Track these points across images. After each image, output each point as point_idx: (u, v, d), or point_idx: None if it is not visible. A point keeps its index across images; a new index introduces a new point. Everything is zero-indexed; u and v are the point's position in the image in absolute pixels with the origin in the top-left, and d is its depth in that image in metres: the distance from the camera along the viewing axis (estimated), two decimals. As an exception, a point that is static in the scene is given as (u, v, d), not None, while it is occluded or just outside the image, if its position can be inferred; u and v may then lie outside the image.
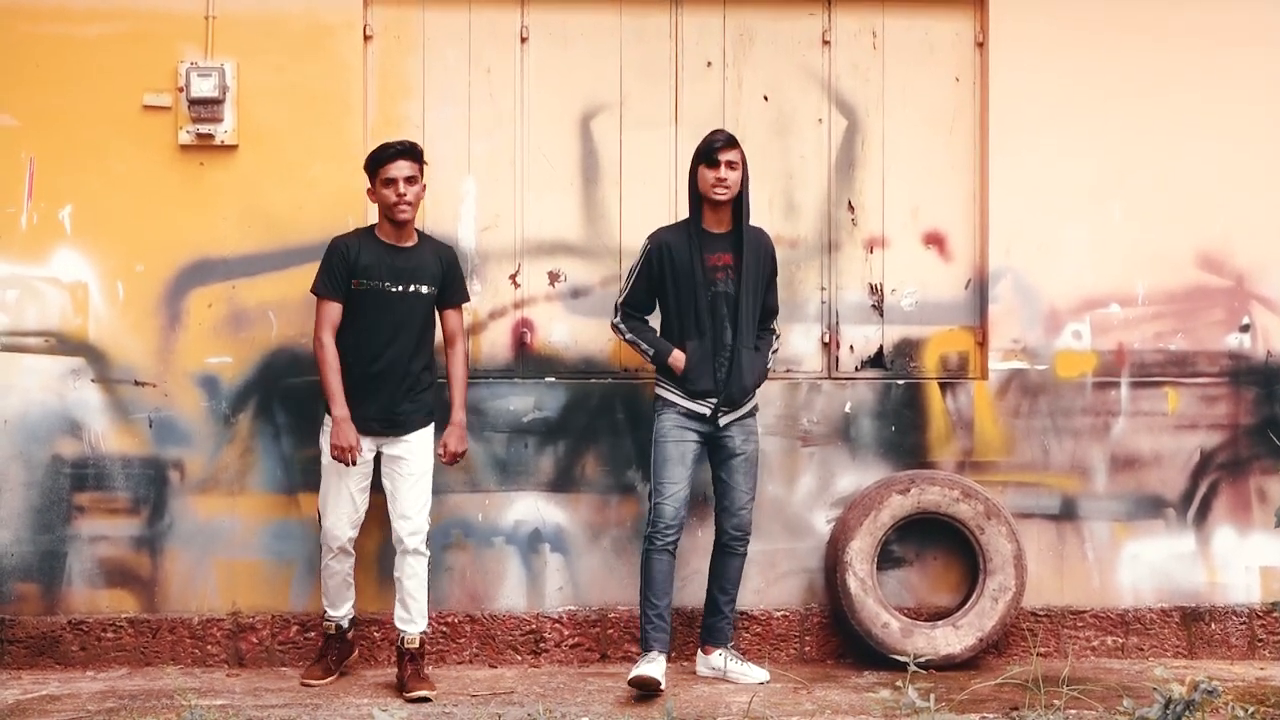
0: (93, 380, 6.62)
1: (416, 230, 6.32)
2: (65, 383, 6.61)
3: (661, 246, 6.29)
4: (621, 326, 6.37)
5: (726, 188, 6.21)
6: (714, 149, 6.21)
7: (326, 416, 6.13)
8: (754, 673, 6.37)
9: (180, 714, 5.52)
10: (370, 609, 6.60)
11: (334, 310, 6.13)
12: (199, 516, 6.64)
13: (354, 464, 6.06)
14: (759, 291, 6.37)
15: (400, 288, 6.15)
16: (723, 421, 6.28)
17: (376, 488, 6.27)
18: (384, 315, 6.14)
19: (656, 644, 6.20)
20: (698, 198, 6.31)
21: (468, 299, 6.49)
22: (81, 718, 5.67)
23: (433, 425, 6.29)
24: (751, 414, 6.41)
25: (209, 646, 6.63)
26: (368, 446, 6.17)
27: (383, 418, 6.16)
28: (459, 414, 6.32)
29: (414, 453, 6.21)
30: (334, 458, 6.07)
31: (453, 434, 6.30)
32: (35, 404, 6.61)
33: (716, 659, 6.40)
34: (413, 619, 6.18)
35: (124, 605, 6.64)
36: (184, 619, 6.63)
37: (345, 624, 6.35)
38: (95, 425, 6.62)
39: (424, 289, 6.20)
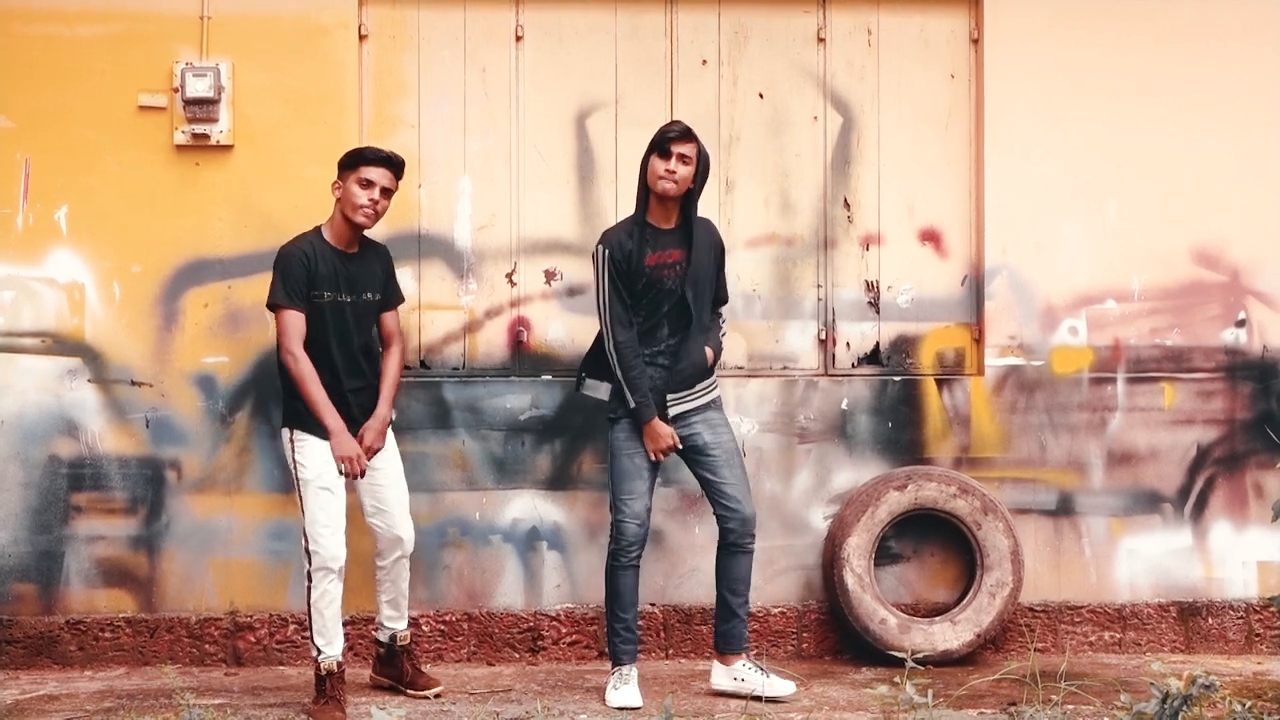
0: (89, 380, 6.62)
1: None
2: (62, 383, 6.61)
3: (612, 247, 5.97)
4: (621, 354, 5.95)
5: (674, 182, 5.88)
6: (667, 139, 5.89)
7: (293, 433, 5.85)
8: (779, 685, 6.02)
9: (178, 713, 5.53)
10: (367, 608, 6.58)
11: (300, 320, 5.78)
12: (196, 516, 6.64)
13: (364, 474, 5.87)
14: (709, 287, 6.09)
15: (353, 297, 5.92)
16: (673, 411, 6.02)
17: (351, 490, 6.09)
18: (340, 327, 5.89)
19: (626, 656, 6.04)
20: (646, 190, 6.01)
21: (403, 300, 6.31)
22: (80, 717, 5.68)
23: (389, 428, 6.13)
24: (713, 406, 6.12)
25: (207, 646, 6.63)
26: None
27: (353, 430, 5.89)
28: (383, 408, 6.00)
29: (388, 458, 6.06)
30: (342, 472, 5.81)
31: (370, 428, 5.93)
32: (32, 404, 6.61)
33: (739, 669, 6.05)
34: (402, 616, 6.16)
35: (122, 605, 6.65)
36: (182, 618, 6.63)
37: (342, 661, 5.87)
38: (92, 425, 6.62)
39: (374, 296, 6.01)
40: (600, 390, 6.12)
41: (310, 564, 5.78)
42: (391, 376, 6.08)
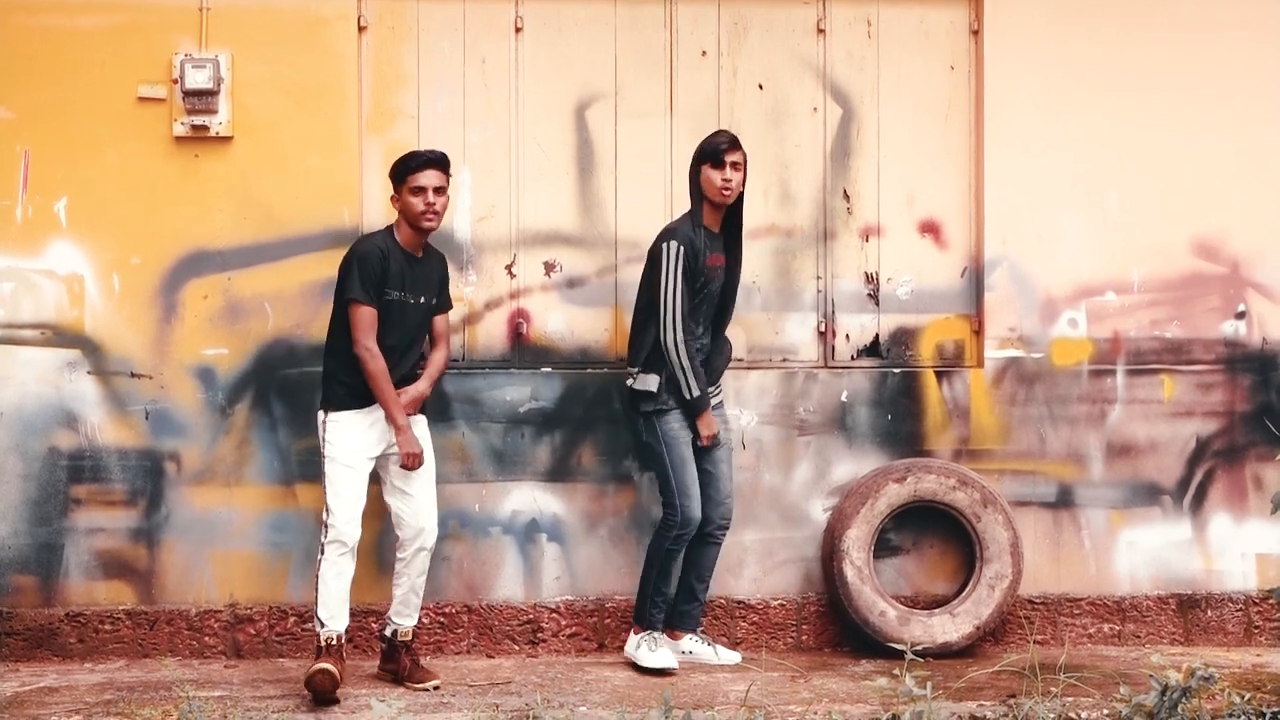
0: (89, 372, 6.62)
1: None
2: (61, 375, 6.60)
3: (685, 244, 6.20)
4: (679, 350, 6.21)
5: (733, 189, 6.24)
6: (720, 150, 6.22)
7: (328, 414, 6.01)
8: (725, 654, 6.49)
9: (178, 705, 5.53)
10: (366, 600, 6.59)
11: (372, 315, 5.96)
12: (196, 508, 6.64)
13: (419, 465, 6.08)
14: (733, 290, 6.50)
15: (415, 299, 6.09)
16: (715, 403, 6.43)
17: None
18: (402, 325, 6.05)
19: (659, 622, 6.36)
20: (700, 197, 6.30)
21: (453, 306, 6.42)
22: (79, 710, 5.68)
23: (424, 419, 6.24)
24: (722, 402, 6.57)
25: (206, 638, 6.63)
26: (375, 439, 6.04)
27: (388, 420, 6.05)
28: (423, 384, 6.15)
29: (424, 448, 6.15)
30: (406, 467, 5.99)
31: (407, 393, 6.07)
32: (31, 396, 6.60)
33: (686, 643, 6.48)
34: (411, 613, 6.19)
35: (121, 597, 6.65)
36: (181, 611, 6.64)
37: (343, 638, 5.99)
38: (92, 417, 6.62)
39: (431, 300, 6.18)
40: (650, 383, 6.27)
41: (325, 536, 5.92)
42: (436, 365, 6.25)
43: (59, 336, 6.61)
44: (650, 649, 6.29)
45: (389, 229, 6.12)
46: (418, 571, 6.13)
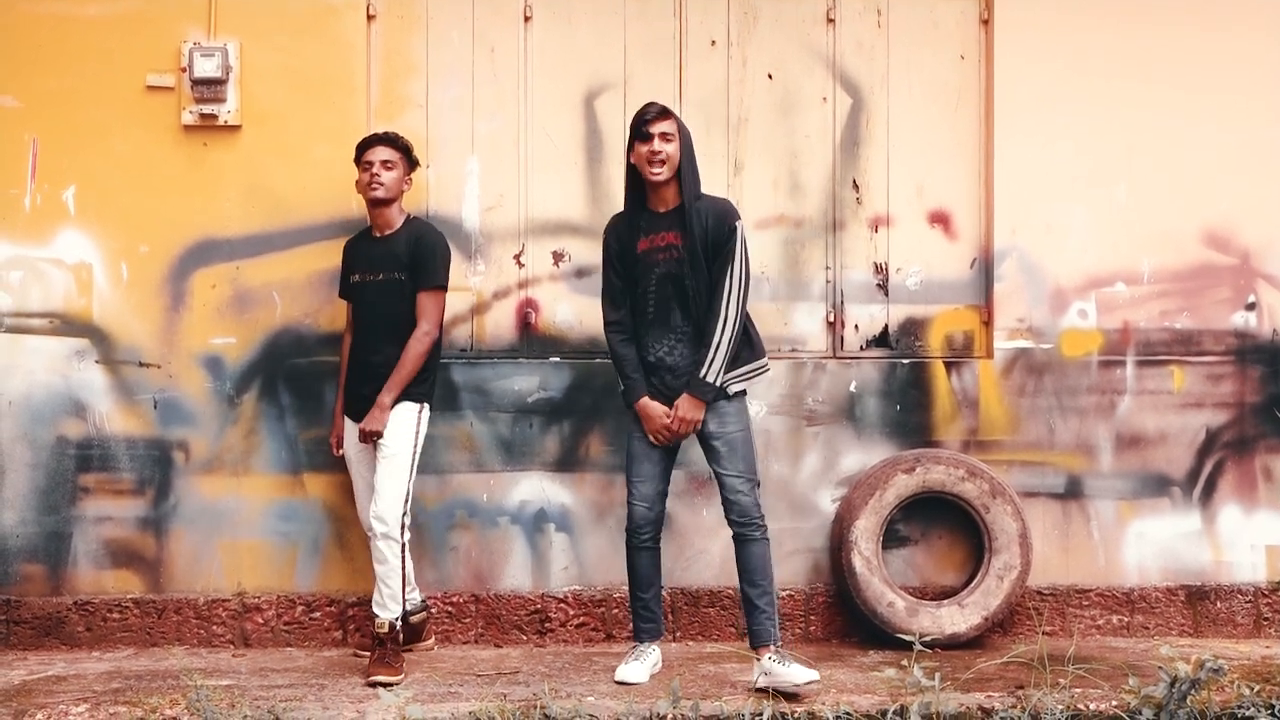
0: (97, 361, 6.62)
1: (407, 217, 6.27)
2: (70, 364, 6.61)
3: (609, 233, 6.03)
4: (609, 336, 6.03)
5: (662, 161, 5.79)
6: (645, 120, 5.81)
7: (422, 408, 6.21)
8: (798, 673, 5.67)
9: (186, 694, 5.53)
10: (364, 589, 6.59)
11: (346, 309, 6.39)
12: (204, 497, 6.64)
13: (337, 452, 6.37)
14: (701, 269, 5.84)
15: (374, 276, 6.17)
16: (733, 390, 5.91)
17: (343, 470, 6.39)
18: (367, 305, 6.20)
19: (645, 635, 6.10)
20: (636, 178, 5.95)
21: (438, 283, 6.17)
22: (88, 698, 5.68)
23: (413, 406, 6.11)
24: (724, 397, 5.89)
25: (214, 627, 6.64)
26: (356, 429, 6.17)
27: (361, 402, 6.13)
28: (383, 396, 6.04)
29: (389, 434, 6.05)
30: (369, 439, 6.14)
31: (372, 411, 6.06)
32: (40, 385, 6.61)
33: (764, 662, 5.77)
34: (384, 604, 6.04)
35: (129, 586, 6.65)
36: (189, 599, 6.64)
37: (409, 607, 6.24)
38: (100, 406, 6.62)
39: (393, 275, 6.12)
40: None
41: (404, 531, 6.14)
42: (402, 360, 6.08)
43: (67, 325, 6.62)
44: (625, 661, 6.03)
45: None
46: (377, 560, 6.03)
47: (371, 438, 6.05)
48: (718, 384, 5.82)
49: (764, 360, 6.00)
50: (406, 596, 6.11)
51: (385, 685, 5.77)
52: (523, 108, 6.90)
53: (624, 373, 5.99)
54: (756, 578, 5.88)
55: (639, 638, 6.12)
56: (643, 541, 6.04)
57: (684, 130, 5.90)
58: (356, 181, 6.25)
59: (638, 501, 6.01)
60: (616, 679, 5.93)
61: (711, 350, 5.79)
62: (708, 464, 6.05)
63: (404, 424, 6.10)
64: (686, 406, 5.86)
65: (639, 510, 6.01)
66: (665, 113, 5.86)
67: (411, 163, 6.27)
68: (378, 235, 6.23)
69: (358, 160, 6.20)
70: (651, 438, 5.96)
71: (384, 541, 6.02)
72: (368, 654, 6.18)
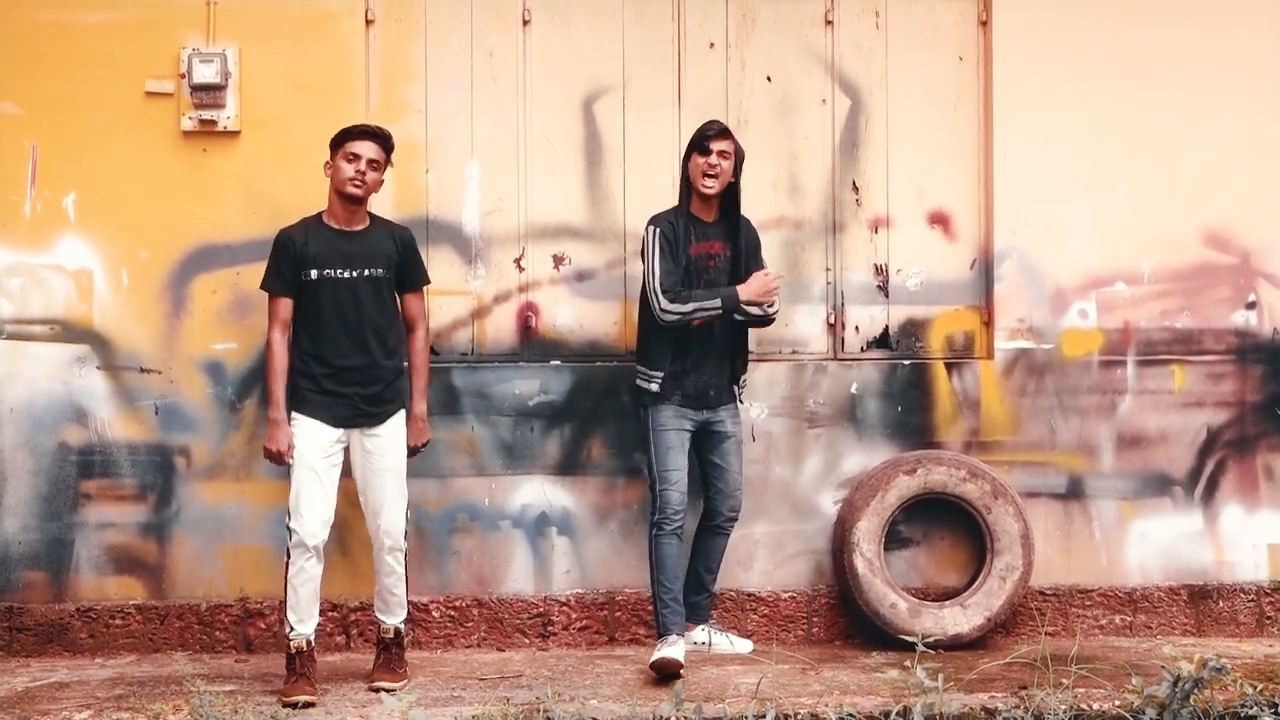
0: (98, 367, 6.62)
1: (370, 214, 6.07)
2: (71, 370, 6.61)
3: (661, 224, 6.19)
4: (674, 310, 6.07)
5: (715, 177, 6.15)
6: (706, 137, 6.16)
7: (293, 414, 5.92)
8: (739, 643, 6.58)
9: (189, 700, 5.53)
10: (368, 594, 6.61)
11: (284, 307, 5.91)
12: (206, 503, 6.64)
13: (283, 464, 5.88)
14: (739, 279, 6.24)
15: (352, 273, 5.93)
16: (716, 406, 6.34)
17: (346, 474, 6.04)
18: (340, 304, 5.90)
19: (674, 628, 6.13)
20: (689, 186, 6.26)
21: (428, 281, 6.25)
22: (90, 704, 5.68)
23: (403, 415, 6.05)
24: (737, 398, 6.46)
25: (217, 633, 6.64)
26: (336, 438, 5.91)
27: (349, 409, 5.91)
28: (419, 405, 6.08)
29: (385, 446, 5.97)
30: (267, 457, 5.90)
31: (412, 428, 6.06)
32: (41, 392, 6.61)
33: (700, 634, 6.50)
34: (390, 610, 6.04)
35: (132, 592, 6.65)
36: (192, 605, 6.64)
37: (312, 640, 5.86)
38: (101, 412, 6.62)
39: (377, 272, 5.96)
40: (645, 375, 6.25)
41: (290, 540, 5.82)
42: (418, 369, 6.11)
43: (68, 331, 6.62)
44: (659, 650, 6.06)
45: (319, 213, 6.05)
46: (384, 573, 5.97)
47: (415, 452, 6.08)
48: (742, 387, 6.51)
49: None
50: (313, 629, 5.91)
51: (389, 690, 5.77)
52: (522, 111, 6.90)
53: (708, 299, 6.13)
54: (717, 565, 6.54)
55: (667, 631, 6.13)
56: (675, 528, 6.19)
57: (739, 150, 6.24)
58: (333, 169, 5.93)
59: (673, 486, 6.19)
60: (662, 656, 5.97)
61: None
62: (708, 460, 6.35)
63: (402, 435, 6.06)
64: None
65: (674, 495, 6.19)
66: (726, 132, 6.20)
67: (389, 161, 6.07)
68: (343, 230, 5.97)
69: (337, 146, 5.93)
70: (759, 296, 6.17)
71: (392, 555, 5.96)
72: (305, 697, 5.71)
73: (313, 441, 5.87)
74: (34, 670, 6.33)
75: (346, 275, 5.92)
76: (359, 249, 5.96)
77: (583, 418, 6.79)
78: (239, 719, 5.34)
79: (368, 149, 5.90)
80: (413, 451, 6.10)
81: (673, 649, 6.05)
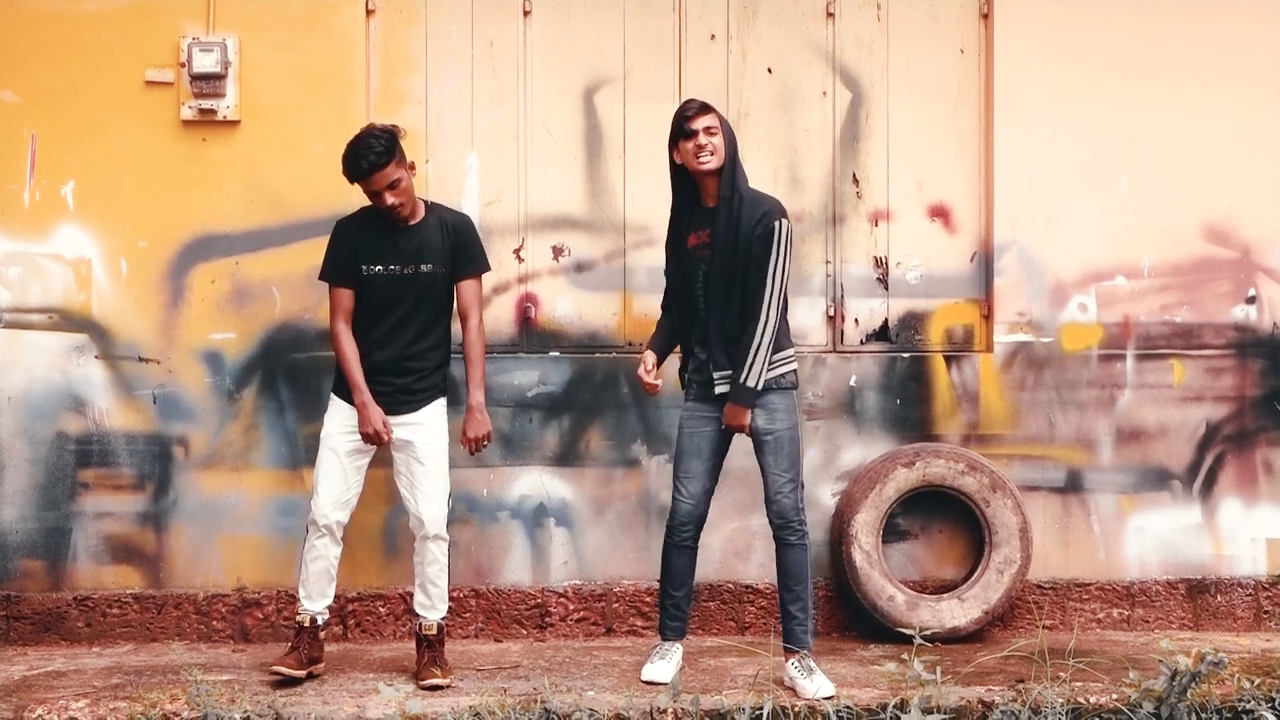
0: (96, 357, 6.62)
1: (425, 203, 6.04)
2: (69, 359, 6.60)
3: (671, 217, 5.94)
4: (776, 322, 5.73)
5: (711, 154, 5.65)
6: (685, 118, 5.69)
7: (332, 396, 5.99)
8: (809, 686, 5.64)
9: (186, 689, 5.53)
10: (375, 584, 6.62)
11: (344, 297, 5.91)
12: (203, 492, 6.64)
13: (387, 442, 5.89)
14: (735, 266, 5.71)
15: (404, 269, 5.88)
16: (718, 391, 5.77)
17: (375, 465, 6.09)
18: (386, 299, 5.89)
19: (670, 633, 6.01)
20: (682, 176, 5.83)
21: (487, 268, 6.14)
22: (88, 693, 5.68)
23: (444, 403, 6.04)
24: (774, 389, 5.77)
25: (214, 622, 6.64)
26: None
27: (391, 400, 5.91)
28: (476, 396, 5.99)
29: (426, 435, 5.95)
30: (367, 441, 5.88)
31: (470, 419, 5.98)
32: (39, 381, 6.61)
33: (789, 668, 5.78)
34: (433, 605, 5.98)
35: (129, 581, 6.65)
36: (189, 595, 6.64)
37: (321, 620, 5.97)
38: (99, 402, 6.62)
39: (427, 268, 5.91)
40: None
41: (308, 517, 5.93)
42: (473, 359, 6.02)
43: (66, 320, 6.61)
44: (651, 660, 5.95)
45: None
46: (426, 562, 5.95)
47: (479, 444, 6.03)
48: (759, 388, 5.72)
49: (787, 351, 5.84)
50: (323, 608, 6.00)
51: (444, 686, 5.78)
52: (522, 102, 6.89)
53: (700, 361, 5.87)
54: (790, 583, 5.82)
55: (665, 635, 6.02)
56: (683, 539, 5.94)
57: (727, 125, 5.78)
58: (372, 195, 5.82)
59: (684, 498, 5.92)
60: (644, 679, 5.85)
61: (750, 355, 5.66)
62: (756, 460, 5.92)
63: (443, 423, 6.04)
64: (730, 414, 5.79)
65: (684, 506, 5.91)
66: (706, 107, 5.73)
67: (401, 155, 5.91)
68: (405, 224, 5.90)
69: (352, 182, 5.82)
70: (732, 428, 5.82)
71: (436, 542, 5.94)
72: (289, 670, 5.82)
73: (340, 424, 5.94)
74: (31, 659, 6.33)
75: (398, 271, 5.90)
76: (411, 244, 5.92)
77: (581, 409, 6.79)
78: (236, 709, 5.34)
79: (379, 180, 5.76)
80: (476, 445, 6.02)
81: (659, 667, 5.88)
